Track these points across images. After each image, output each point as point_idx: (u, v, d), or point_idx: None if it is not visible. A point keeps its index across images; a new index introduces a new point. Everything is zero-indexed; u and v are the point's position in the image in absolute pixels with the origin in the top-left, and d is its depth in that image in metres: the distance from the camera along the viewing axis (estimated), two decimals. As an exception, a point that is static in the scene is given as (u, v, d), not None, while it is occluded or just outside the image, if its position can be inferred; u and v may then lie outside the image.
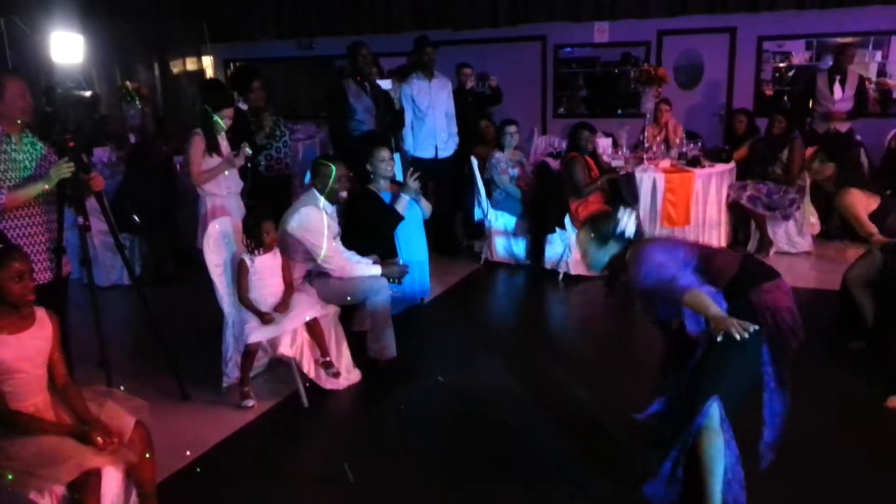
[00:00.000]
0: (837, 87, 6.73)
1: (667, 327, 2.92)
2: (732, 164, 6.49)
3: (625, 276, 2.80)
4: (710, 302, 2.44)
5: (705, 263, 2.63)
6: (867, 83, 7.71)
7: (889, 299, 3.93)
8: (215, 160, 4.50)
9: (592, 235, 2.83)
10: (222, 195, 4.56)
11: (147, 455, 2.54)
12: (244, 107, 5.34)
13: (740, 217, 6.40)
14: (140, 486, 2.56)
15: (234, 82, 5.82)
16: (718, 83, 8.56)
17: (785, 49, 9.23)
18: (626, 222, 2.76)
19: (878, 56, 8.97)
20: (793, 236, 6.29)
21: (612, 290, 2.97)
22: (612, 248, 2.80)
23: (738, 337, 2.28)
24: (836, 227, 6.52)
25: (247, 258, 3.66)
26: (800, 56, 9.20)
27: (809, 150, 6.35)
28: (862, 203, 4.09)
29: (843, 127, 6.76)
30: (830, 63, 7.14)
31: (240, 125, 5.09)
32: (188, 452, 3.28)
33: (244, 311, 3.68)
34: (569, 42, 9.21)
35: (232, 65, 10.77)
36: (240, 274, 3.67)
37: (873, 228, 4.03)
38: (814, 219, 6.35)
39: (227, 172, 4.67)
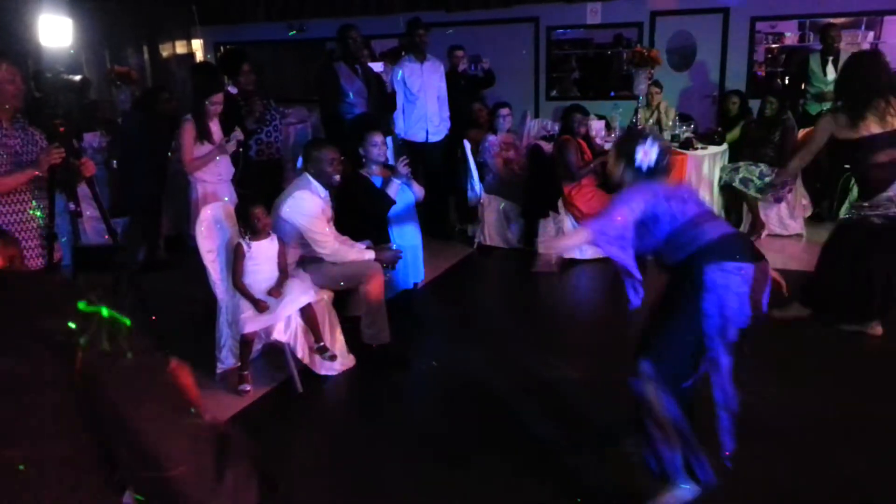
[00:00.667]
0: (830, 68, 6.72)
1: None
2: (725, 147, 6.49)
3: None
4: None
5: (693, 226, 2.56)
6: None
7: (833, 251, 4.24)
8: (207, 147, 4.47)
9: (617, 151, 2.80)
10: (213, 181, 4.54)
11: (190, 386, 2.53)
12: (234, 90, 5.30)
13: (733, 199, 6.42)
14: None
15: (223, 65, 5.77)
16: (711, 65, 8.54)
17: (778, 30, 9.21)
18: (648, 152, 2.66)
19: (871, 37, 8.96)
20: (785, 219, 6.32)
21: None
22: (630, 170, 2.71)
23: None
24: (829, 208, 6.54)
25: (244, 243, 3.65)
26: (793, 37, 9.19)
27: (802, 132, 6.37)
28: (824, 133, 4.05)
29: None
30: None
31: (230, 109, 5.06)
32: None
33: (238, 296, 3.68)
34: (561, 24, 9.16)
35: (222, 48, 10.68)
36: (235, 258, 3.67)
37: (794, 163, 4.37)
38: (805, 201, 6.38)
39: (218, 158, 4.66)
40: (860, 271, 4.07)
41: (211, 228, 3.79)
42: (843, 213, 6.07)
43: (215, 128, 4.63)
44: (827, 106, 6.70)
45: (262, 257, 3.68)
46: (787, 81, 7.79)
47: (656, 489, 2.63)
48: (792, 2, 8.03)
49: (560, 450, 3.15)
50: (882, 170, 3.83)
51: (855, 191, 6.39)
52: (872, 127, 3.78)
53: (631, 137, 2.91)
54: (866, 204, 3.94)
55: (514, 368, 4.00)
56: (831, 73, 6.70)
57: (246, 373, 3.77)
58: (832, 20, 7.73)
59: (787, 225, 6.32)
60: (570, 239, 2.45)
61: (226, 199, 4.51)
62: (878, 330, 4.17)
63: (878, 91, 3.79)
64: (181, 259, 5.59)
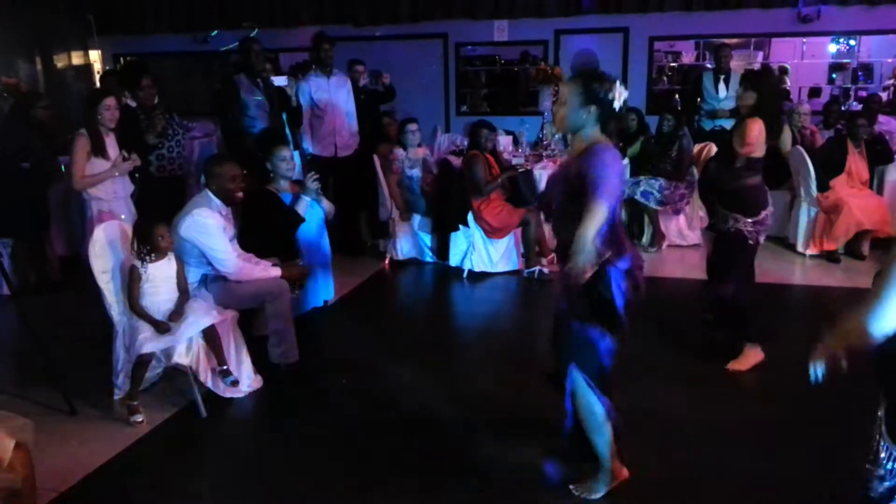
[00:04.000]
0: (722, 86, 7.08)
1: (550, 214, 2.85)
2: (626, 161, 6.72)
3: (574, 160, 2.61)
4: (596, 231, 2.38)
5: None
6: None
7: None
8: (101, 164, 4.29)
9: (580, 90, 2.57)
10: (109, 199, 4.36)
11: (27, 479, 2.39)
12: (133, 104, 5.12)
13: (635, 212, 6.65)
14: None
15: (122, 78, 5.57)
16: (613, 82, 8.84)
17: (675, 49, 9.66)
18: (619, 93, 2.55)
19: (760, 57, 9.53)
20: (683, 230, 6.59)
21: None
22: (590, 116, 2.57)
23: (578, 281, 2.45)
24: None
25: (138, 265, 3.50)
26: (689, 56, 9.66)
27: (697, 147, 6.69)
28: (761, 135, 3.86)
29: (729, 124, 7.11)
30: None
31: (129, 123, 4.89)
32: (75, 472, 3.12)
33: (135, 319, 3.52)
34: (469, 40, 9.30)
35: (122, 59, 10.29)
36: (130, 281, 3.51)
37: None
38: (702, 213, 6.67)
39: (116, 174, 4.49)
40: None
41: (104, 248, 3.62)
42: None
43: (111, 143, 4.45)
44: (720, 122, 7.07)
45: (160, 278, 3.54)
46: (683, 99, 8.16)
47: (584, 474, 2.85)
48: (688, 22, 8.42)
49: (477, 463, 3.16)
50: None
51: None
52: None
53: (592, 80, 2.58)
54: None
55: (428, 383, 3.99)
56: (723, 91, 7.07)
57: (135, 403, 3.56)
58: (725, 41, 8.17)
59: (685, 236, 6.60)
60: (590, 223, 2.29)
61: (123, 217, 4.34)
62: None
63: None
64: (77, 280, 5.31)
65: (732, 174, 3.90)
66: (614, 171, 2.49)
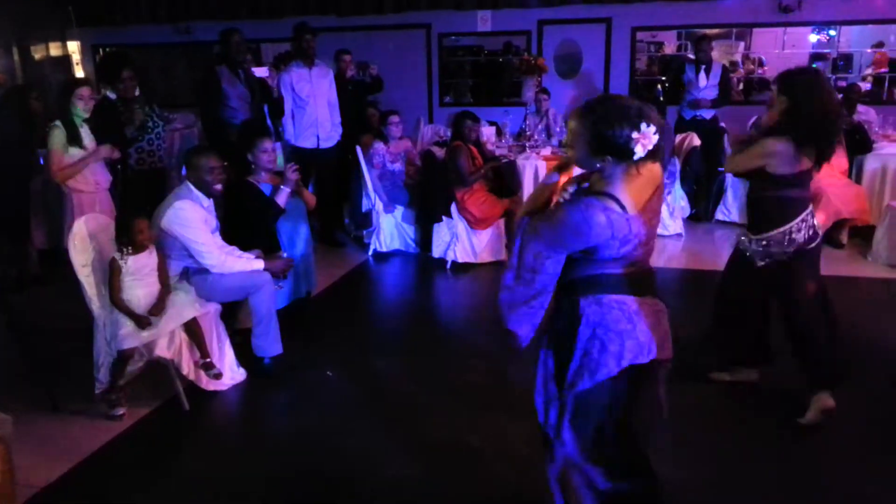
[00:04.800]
0: (703, 76, 7.12)
1: None
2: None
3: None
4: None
5: (633, 261, 2.08)
6: (731, 72, 8.23)
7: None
8: (77, 153, 4.25)
9: (588, 137, 1.99)
10: (89, 191, 4.32)
11: (5, 475, 2.38)
12: (113, 96, 5.07)
13: (618, 202, 6.67)
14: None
15: (102, 70, 5.51)
16: (596, 73, 8.87)
17: (658, 39, 9.69)
18: (646, 142, 1.92)
19: (741, 47, 9.58)
20: (665, 219, 6.62)
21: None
22: (606, 166, 2.00)
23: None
24: (706, 209, 6.93)
25: (118, 257, 3.47)
26: (671, 46, 9.70)
27: (679, 137, 6.72)
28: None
29: (709, 114, 7.16)
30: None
31: (108, 116, 4.84)
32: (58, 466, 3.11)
33: (116, 313, 3.50)
34: (453, 30, 9.27)
35: (101, 50, 10.18)
36: (111, 275, 3.49)
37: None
38: (684, 202, 6.71)
39: (93, 166, 4.45)
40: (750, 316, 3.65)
41: (85, 241, 3.60)
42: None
43: (87, 133, 4.41)
44: (701, 112, 7.11)
45: (141, 272, 3.52)
46: (665, 89, 8.20)
47: None
48: (670, 12, 8.45)
49: (464, 452, 3.18)
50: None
51: (729, 193, 6.84)
52: (806, 162, 3.25)
53: (608, 116, 1.96)
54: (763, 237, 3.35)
55: (412, 375, 4.00)
56: (703, 81, 7.10)
57: (116, 396, 3.55)
58: (706, 31, 8.21)
59: (667, 225, 6.63)
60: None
61: (103, 210, 4.31)
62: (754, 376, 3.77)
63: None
64: (58, 274, 5.27)
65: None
66: (574, 237, 1.99)
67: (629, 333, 2.05)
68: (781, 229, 3.28)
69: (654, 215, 2.11)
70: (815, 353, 3.35)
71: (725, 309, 3.69)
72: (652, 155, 1.97)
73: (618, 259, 2.05)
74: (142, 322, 3.46)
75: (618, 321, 2.06)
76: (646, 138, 1.91)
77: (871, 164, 6.37)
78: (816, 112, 3.14)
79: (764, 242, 3.34)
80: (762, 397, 3.61)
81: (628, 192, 2.01)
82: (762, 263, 3.35)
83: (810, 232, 3.32)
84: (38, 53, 9.68)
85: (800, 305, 3.34)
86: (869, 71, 9.10)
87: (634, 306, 2.08)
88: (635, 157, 1.94)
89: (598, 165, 2.02)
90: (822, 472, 3.02)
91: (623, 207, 1.98)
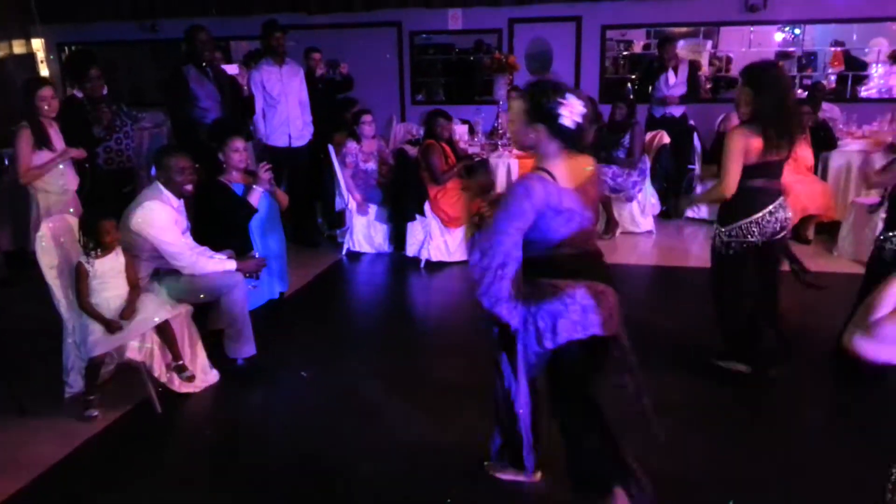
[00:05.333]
0: (671, 74, 7.20)
1: None
2: (581, 149, 6.79)
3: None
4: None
5: (570, 243, 2.36)
6: (699, 70, 8.34)
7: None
8: (45, 154, 4.17)
9: (527, 104, 2.32)
10: (56, 192, 4.24)
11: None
12: (80, 94, 4.99)
13: (589, 199, 6.72)
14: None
15: (68, 69, 5.42)
16: (567, 71, 8.92)
17: (627, 38, 9.78)
18: (572, 110, 2.24)
19: (709, 45, 9.70)
20: (636, 217, 6.70)
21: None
22: (539, 135, 2.30)
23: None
24: (675, 206, 7.01)
25: (84, 261, 3.42)
26: (640, 45, 9.79)
27: (649, 135, 6.79)
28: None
29: (678, 111, 7.25)
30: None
31: (75, 115, 4.77)
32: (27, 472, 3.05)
33: (85, 317, 3.44)
34: (423, 28, 9.27)
35: (67, 48, 9.99)
36: (78, 278, 3.43)
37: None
38: (654, 200, 6.79)
39: (61, 166, 4.37)
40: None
41: (52, 243, 3.53)
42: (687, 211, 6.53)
43: (55, 134, 4.33)
44: (670, 110, 7.20)
45: (108, 274, 3.46)
46: (635, 87, 8.28)
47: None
48: (639, 11, 8.53)
49: (443, 452, 3.18)
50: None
51: (699, 190, 6.93)
52: (773, 153, 3.39)
53: (539, 92, 2.30)
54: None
55: (387, 374, 4.00)
56: (671, 78, 7.19)
57: (91, 398, 3.52)
58: (672, 32, 8.32)
59: (638, 223, 6.70)
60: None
61: (71, 211, 4.24)
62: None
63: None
64: (24, 276, 5.17)
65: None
66: (520, 207, 2.24)
67: (562, 313, 2.32)
68: (748, 220, 3.42)
69: (591, 203, 2.40)
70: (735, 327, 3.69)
71: (721, 305, 3.76)
72: (580, 144, 2.34)
73: (562, 241, 2.34)
74: (111, 326, 3.41)
75: (551, 301, 2.33)
76: (571, 107, 2.24)
77: (836, 160, 6.49)
78: (779, 101, 3.32)
79: (732, 233, 3.46)
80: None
81: (560, 169, 2.31)
82: (731, 253, 3.49)
83: (777, 226, 3.44)
84: (0, 51, 9.47)
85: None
86: (831, 70, 9.29)
87: (570, 289, 2.33)
88: (561, 122, 2.24)
89: (531, 136, 2.31)
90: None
91: (555, 179, 2.28)
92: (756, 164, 3.36)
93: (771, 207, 3.42)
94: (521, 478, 2.86)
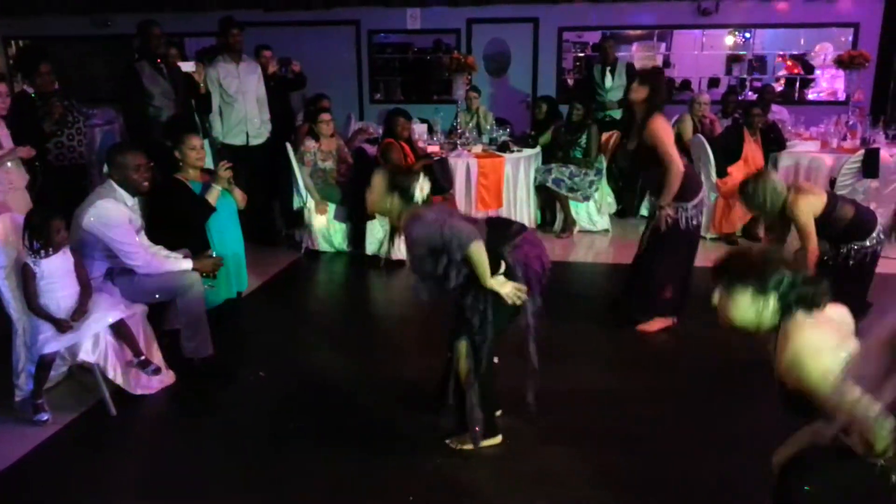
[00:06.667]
0: (608, 76, 7.32)
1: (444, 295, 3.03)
2: (538, 149, 6.88)
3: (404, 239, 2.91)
4: (487, 263, 2.77)
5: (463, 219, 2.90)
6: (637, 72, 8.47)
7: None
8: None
9: (386, 185, 2.93)
10: (3, 190, 4.13)
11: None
12: (30, 90, 4.87)
13: (547, 198, 6.81)
14: None
15: (18, 64, 5.28)
16: (524, 72, 9.01)
17: (584, 40, 9.92)
18: (421, 187, 2.87)
19: (663, 48, 9.90)
20: (593, 215, 6.80)
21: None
22: (396, 204, 2.92)
23: (517, 303, 2.84)
24: (631, 204, 7.13)
25: (30, 261, 3.32)
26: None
27: (605, 136, 6.90)
28: (670, 134, 4.20)
29: (619, 114, 7.37)
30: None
31: (26, 111, 4.65)
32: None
33: (35, 317, 3.36)
34: (382, 27, 9.26)
35: (14, 43, 9.72)
36: (25, 280, 3.32)
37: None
38: (610, 199, 6.90)
39: (10, 164, 4.25)
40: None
41: (1, 243, 3.44)
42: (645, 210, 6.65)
43: (3, 131, 4.22)
44: (611, 114, 7.32)
45: (56, 274, 3.36)
46: (579, 89, 8.40)
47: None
48: (594, 13, 8.67)
49: (396, 444, 3.20)
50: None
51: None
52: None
53: (395, 176, 2.98)
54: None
55: (345, 372, 3.99)
56: (609, 81, 7.32)
57: (40, 401, 3.43)
58: (638, 32, 8.47)
59: (595, 221, 6.81)
60: (486, 262, 2.84)
61: (18, 210, 4.12)
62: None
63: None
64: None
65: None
66: (433, 219, 2.78)
67: None
68: (694, 201, 4.19)
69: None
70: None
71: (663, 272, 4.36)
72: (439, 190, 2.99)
73: None
74: (62, 326, 3.33)
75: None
76: (422, 186, 2.85)
77: (784, 161, 6.67)
78: (666, 93, 4.24)
79: (684, 210, 4.18)
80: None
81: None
82: (695, 224, 4.26)
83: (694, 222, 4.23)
84: (-56, 45, 9.17)
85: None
86: (782, 73, 9.57)
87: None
88: (415, 199, 2.85)
89: (387, 204, 2.94)
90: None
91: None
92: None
93: (701, 195, 4.27)
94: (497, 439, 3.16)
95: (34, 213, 3.44)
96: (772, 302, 1.97)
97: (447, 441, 3.16)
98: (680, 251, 4.32)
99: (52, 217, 3.33)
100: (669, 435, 3.29)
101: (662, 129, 4.09)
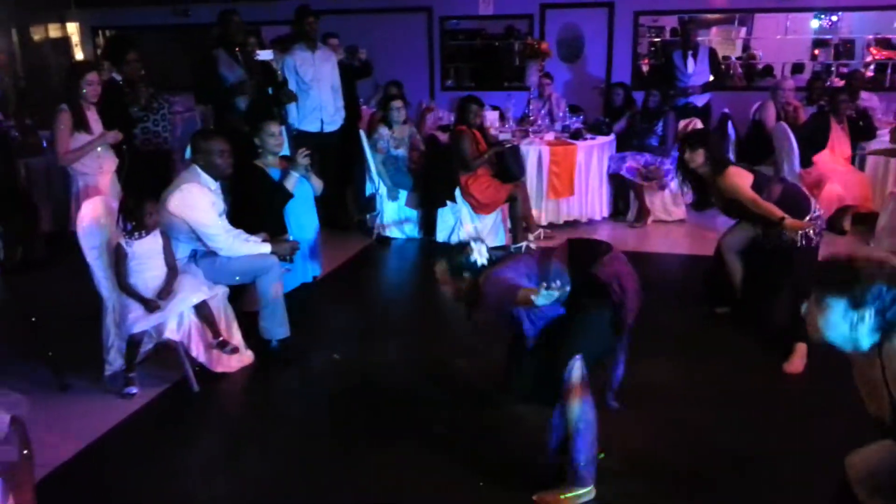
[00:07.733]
0: (690, 61, 7.10)
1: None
2: (612, 137, 6.75)
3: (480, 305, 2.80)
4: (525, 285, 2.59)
5: (544, 264, 2.69)
6: (721, 56, 8.18)
7: (757, 267, 4.18)
8: (84, 137, 4.23)
9: (445, 267, 2.85)
10: (95, 174, 4.31)
11: (25, 453, 2.39)
12: (118, 78, 5.05)
13: (620, 187, 6.69)
14: (17, 488, 2.41)
15: (108, 53, 5.49)
16: (598, 57, 8.84)
17: (659, 24, 9.66)
18: (479, 253, 2.79)
19: (743, 32, 9.56)
20: (668, 205, 6.64)
21: (470, 317, 2.99)
22: (469, 280, 2.79)
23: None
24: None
25: (123, 242, 3.47)
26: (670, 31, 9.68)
27: (682, 123, 6.72)
28: (746, 181, 3.91)
29: (700, 100, 7.15)
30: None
31: (113, 97, 4.83)
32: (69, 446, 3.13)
33: (125, 297, 3.51)
34: (454, 14, 9.23)
35: (101, 32, 10.11)
36: (117, 260, 3.49)
37: (779, 211, 3.78)
38: (687, 188, 6.70)
39: (99, 150, 4.43)
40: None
41: (92, 225, 3.60)
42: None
43: (93, 117, 4.39)
44: (692, 100, 7.09)
45: (147, 255, 3.52)
46: (658, 75, 8.19)
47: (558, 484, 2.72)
48: (671, -3, 8.43)
49: (461, 438, 3.21)
50: None
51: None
52: None
53: (452, 254, 2.90)
54: None
55: (417, 359, 4.02)
56: (691, 66, 7.09)
57: (132, 375, 3.60)
58: (696, 16, 8.20)
59: (670, 211, 6.65)
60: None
61: (109, 193, 4.30)
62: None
63: None
64: (64, 256, 5.26)
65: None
66: (504, 277, 2.67)
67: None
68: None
69: None
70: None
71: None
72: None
73: None
74: (150, 305, 3.47)
75: None
76: (479, 251, 2.78)
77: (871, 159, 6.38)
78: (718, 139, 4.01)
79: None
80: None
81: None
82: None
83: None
84: (37, 35, 9.61)
85: None
86: (869, 59, 9.11)
87: None
88: (478, 265, 2.75)
89: (464, 286, 2.81)
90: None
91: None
92: None
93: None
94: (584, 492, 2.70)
95: (128, 196, 3.59)
96: (867, 318, 1.78)
97: (534, 497, 2.74)
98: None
99: (145, 200, 3.48)
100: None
101: (738, 181, 3.89)
